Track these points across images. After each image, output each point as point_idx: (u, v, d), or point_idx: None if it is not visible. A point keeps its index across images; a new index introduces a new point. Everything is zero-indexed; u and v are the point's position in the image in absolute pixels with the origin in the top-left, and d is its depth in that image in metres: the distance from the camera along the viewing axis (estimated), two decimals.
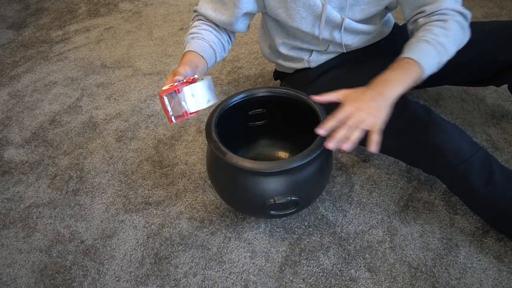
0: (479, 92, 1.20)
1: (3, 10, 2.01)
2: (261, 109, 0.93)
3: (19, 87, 1.43)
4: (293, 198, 0.75)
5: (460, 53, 0.95)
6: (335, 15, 0.85)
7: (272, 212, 0.78)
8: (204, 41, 0.85)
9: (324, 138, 0.75)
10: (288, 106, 0.89)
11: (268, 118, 0.96)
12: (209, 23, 0.90)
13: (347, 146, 0.65)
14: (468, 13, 0.79)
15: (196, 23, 0.90)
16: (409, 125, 0.79)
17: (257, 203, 0.77)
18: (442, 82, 1.08)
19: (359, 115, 0.66)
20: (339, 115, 0.67)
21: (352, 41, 0.93)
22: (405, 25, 1.00)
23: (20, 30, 1.82)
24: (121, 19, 1.82)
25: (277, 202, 0.75)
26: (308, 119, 0.84)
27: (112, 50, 1.59)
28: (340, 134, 0.66)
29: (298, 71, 1.03)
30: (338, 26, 0.88)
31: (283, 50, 0.98)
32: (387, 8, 0.90)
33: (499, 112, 1.13)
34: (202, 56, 0.82)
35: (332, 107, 0.85)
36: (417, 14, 0.81)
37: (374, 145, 0.66)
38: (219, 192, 0.87)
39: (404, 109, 0.79)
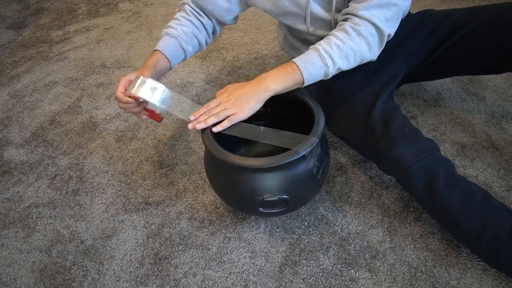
0: (479, 92, 1.20)
1: (3, 10, 2.01)
2: (264, 109, 0.93)
3: (19, 87, 1.43)
4: (282, 196, 0.75)
5: (462, 41, 0.95)
6: (320, 11, 0.88)
7: (260, 209, 0.78)
8: (176, 40, 0.91)
9: (320, 138, 0.75)
10: (289, 106, 0.89)
11: (271, 118, 0.95)
12: (190, 16, 0.94)
13: (199, 126, 0.77)
14: (385, 31, 0.79)
15: (178, 15, 0.95)
16: (365, 138, 0.85)
17: (247, 199, 0.77)
18: (448, 73, 1.07)
19: (225, 105, 0.77)
20: (211, 104, 0.79)
21: None
22: (414, 15, 1.01)
23: (20, 30, 1.82)
24: (121, 19, 1.82)
25: (265, 199, 0.75)
26: (308, 119, 0.84)
27: (112, 50, 1.59)
28: (201, 118, 0.78)
29: None
30: (327, 21, 0.90)
31: (290, 38, 1.03)
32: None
33: (499, 112, 1.13)
34: (166, 57, 0.90)
35: (328, 107, 0.86)
36: (348, 8, 0.82)
37: (217, 128, 0.77)
38: (213, 188, 0.88)
39: (366, 123, 0.84)
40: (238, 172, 0.76)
